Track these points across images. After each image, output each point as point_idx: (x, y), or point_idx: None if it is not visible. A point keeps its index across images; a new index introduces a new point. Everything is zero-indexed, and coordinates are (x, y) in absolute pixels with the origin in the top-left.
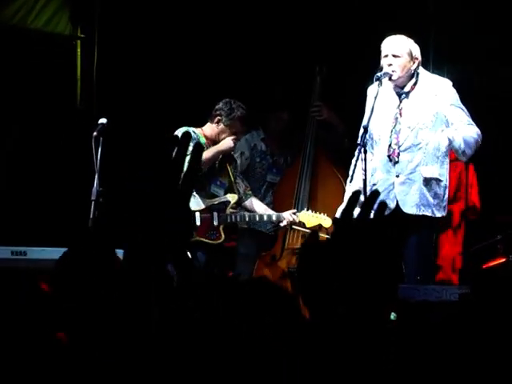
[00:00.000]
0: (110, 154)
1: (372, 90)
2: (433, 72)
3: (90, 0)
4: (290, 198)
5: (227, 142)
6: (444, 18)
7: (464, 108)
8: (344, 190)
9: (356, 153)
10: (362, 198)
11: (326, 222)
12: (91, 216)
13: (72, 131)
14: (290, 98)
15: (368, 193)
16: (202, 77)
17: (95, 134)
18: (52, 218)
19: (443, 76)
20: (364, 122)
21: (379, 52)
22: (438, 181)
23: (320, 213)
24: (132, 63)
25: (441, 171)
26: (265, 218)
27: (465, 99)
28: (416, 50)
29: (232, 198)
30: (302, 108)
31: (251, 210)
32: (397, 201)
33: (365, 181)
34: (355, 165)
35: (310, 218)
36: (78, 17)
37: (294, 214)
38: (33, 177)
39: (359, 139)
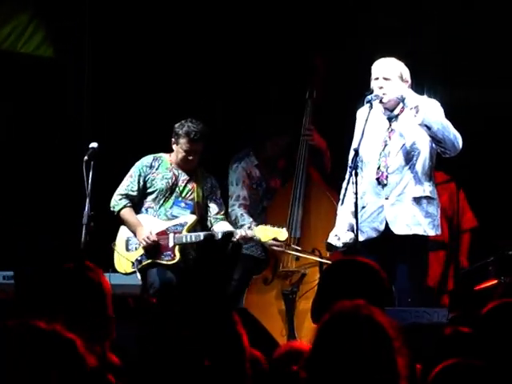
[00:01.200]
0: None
1: (362, 112)
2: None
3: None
4: (282, 221)
5: (139, 236)
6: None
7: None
8: (335, 214)
9: (347, 176)
10: (353, 221)
11: (282, 234)
12: (82, 240)
13: (62, 155)
14: (288, 125)
15: (359, 216)
16: (198, 90)
17: (86, 158)
18: (44, 241)
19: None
20: (354, 145)
21: (369, 74)
22: (429, 199)
23: (283, 227)
24: (124, 83)
25: (431, 189)
26: (219, 236)
27: (457, 121)
28: (406, 73)
29: (190, 219)
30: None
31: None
32: (386, 223)
33: (356, 204)
34: (346, 188)
35: (266, 232)
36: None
37: (249, 228)
38: (24, 198)
39: (350, 162)
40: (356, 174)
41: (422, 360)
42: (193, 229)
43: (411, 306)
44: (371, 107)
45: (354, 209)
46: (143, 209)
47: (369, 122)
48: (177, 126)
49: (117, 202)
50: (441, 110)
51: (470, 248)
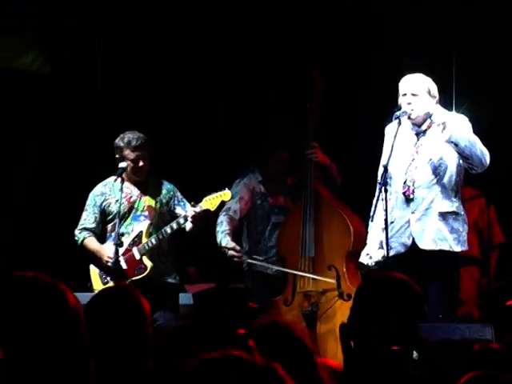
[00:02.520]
0: None
1: (391, 129)
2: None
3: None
4: (296, 240)
5: (103, 258)
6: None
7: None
8: (350, 230)
9: (376, 192)
10: (383, 238)
11: (226, 194)
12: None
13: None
14: (290, 140)
15: (389, 232)
16: (199, 90)
17: (115, 178)
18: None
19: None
20: (384, 162)
21: (397, 90)
22: (455, 214)
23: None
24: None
25: (457, 204)
26: (174, 226)
27: (485, 137)
28: (434, 88)
29: (143, 226)
30: (297, 148)
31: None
32: (413, 238)
33: (386, 220)
34: (376, 205)
35: (212, 201)
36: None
37: (193, 205)
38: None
39: (379, 178)
40: (386, 191)
41: (452, 374)
42: (153, 234)
43: (443, 321)
44: (400, 123)
45: (384, 225)
46: (108, 235)
47: (397, 138)
48: (116, 141)
49: (77, 236)
50: (469, 126)
51: (498, 264)
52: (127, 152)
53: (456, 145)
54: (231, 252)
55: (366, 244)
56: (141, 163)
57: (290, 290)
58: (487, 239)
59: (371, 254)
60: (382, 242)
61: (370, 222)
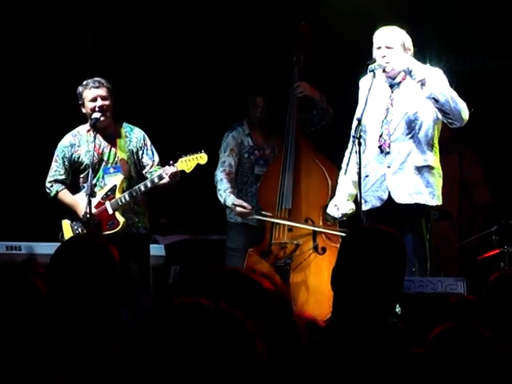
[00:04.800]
0: None
1: (365, 81)
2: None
3: None
4: (274, 192)
5: (80, 214)
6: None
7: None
8: (327, 183)
9: (349, 145)
10: (354, 191)
11: (202, 157)
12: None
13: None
14: (262, 84)
15: (362, 186)
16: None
17: (88, 128)
18: (45, 214)
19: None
20: (358, 115)
21: (371, 43)
22: (431, 168)
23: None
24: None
25: (433, 159)
26: (148, 184)
27: (460, 89)
28: (408, 41)
29: (117, 180)
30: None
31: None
32: (389, 192)
33: (359, 174)
34: (349, 157)
35: (188, 163)
36: None
37: (170, 165)
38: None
39: (353, 131)
40: (359, 144)
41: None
42: (126, 188)
43: (415, 275)
44: (374, 76)
45: (356, 179)
46: (81, 186)
47: (371, 91)
48: (77, 89)
49: (49, 189)
50: (445, 80)
51: (483, 224)
52: (86, 94)
53: (436, 101)
54: (239, 209)
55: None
56: (100, 102)
57: (267, 240)
58: (473, 197)
59: (339, 206)
60: (351, 195)
61: (341, 174)
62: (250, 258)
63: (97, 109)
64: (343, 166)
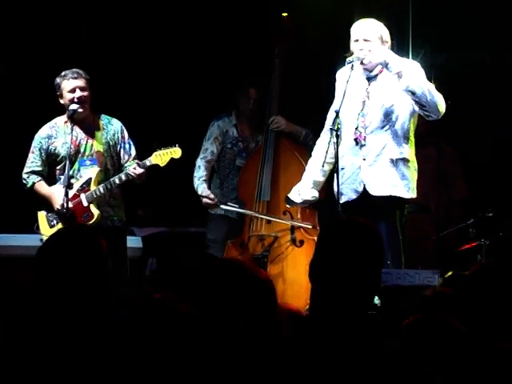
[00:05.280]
0: None
1: (343, 74)
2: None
3: None
4: (253, 184)
5: (55, 205)
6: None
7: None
8: None
9: (323, 135)
10: (319, 179)
11: (176, 152)
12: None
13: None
14: (255, 76)
15: (340, 178)
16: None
17: (65, 119)
18: (20, 206)
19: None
20: (336, 107)
21: (349, 36)
22: (406, 161)
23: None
24: None
25: (409, 151)
26: (123, 177)
27: (437, 82)
28: (386, 34)
29: (93, 173)
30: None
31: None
32: (364, 184)
33: (337, 165)
34: (327, 149)
35: (162, 157)
36: None
37: (138, 165)
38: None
39: (331, 123)
40: (337, 136)
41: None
42: (102, 181)
43: (390, 267)
44: (352, 69)
45: (326, 168)
46: (57, 177)
47: (349, 83)
48: (55, 80)
49: (26, 180)
50: (422, 73)
51: (460, 218)
52: (65, 84)
53: (413, 93)
54: (205, 200)
55: (322, 190)
56: (79, 93)
57: (246, 233)
58: (451, 191)
59: (301, 192)
60: (315, 182)
61: (309, 161)
62: (229, 249)
63: (75, 100)
64: (314, 154)
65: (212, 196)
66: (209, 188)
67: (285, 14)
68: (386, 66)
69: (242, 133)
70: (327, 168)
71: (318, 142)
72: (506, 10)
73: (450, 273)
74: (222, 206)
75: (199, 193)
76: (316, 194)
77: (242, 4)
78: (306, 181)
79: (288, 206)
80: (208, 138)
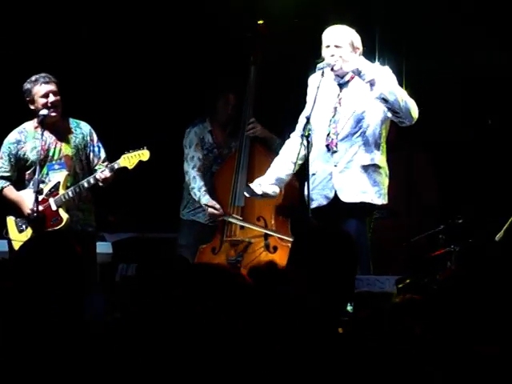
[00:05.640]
0: None
1: (314, 80)
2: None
3: None
4: (228, 189)
5: (25, 210)
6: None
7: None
8: None
9: (296, 139)
10: (284, 177)
11: (144, 154)
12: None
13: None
14: (233, 83)
15: (310, 184)
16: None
17: (35, 124)
18: None
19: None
20: (307, 113)
21: (320, 42)
22: (378, 167)
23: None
24: None
25: (380, 158)
26: (91, 181)
27: (408, 88)
28: (357, 40)
29: (61, 177)
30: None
31: None
32: (335, 190)
33: (307, 171)
34: (298, 153)
35: (130, 160)
36: None
37: (106, 168)
38: None
39: (302, 129)
40: (308, 142)
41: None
42: (71, 185)
43: (359, 273)
44: (323, 75)
45: (290, 167)
46: (26, 182)
47: (320, 90)
48: (24, 86)
49: None
50: (394, 78)
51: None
52: (36, 90)
53: (386, 101)
54: (211, 210)
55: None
56: (52, 97)
57: (218, 238)
58: (421, 197)
59: (262, 184)
60: (278, 179)
61: (276, 158)
62: (202, 254)
63: (49, 104)
64: (281, 153)
65: (218, 206)
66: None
67: (260, 22)
68: (358, 74)
69: (217, 139)
70: (293, 169)
71: (287, 142)
72: (473, 13)
73: (406, 280)
74: (226, 218)
75: (204, 203)
76: (277, 190)
77: (218, 12)
78: (269, 176)
79: (246, 195)
80: (189, 145)
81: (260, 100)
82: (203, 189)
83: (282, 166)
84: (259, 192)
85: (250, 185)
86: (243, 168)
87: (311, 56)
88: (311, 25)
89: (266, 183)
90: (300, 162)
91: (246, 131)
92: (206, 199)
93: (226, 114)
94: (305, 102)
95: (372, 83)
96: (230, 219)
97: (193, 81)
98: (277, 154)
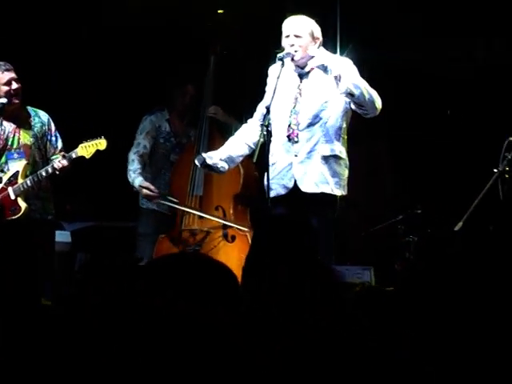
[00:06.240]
0: None
1: (274, 70)
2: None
3: None
4: (186, 179)
5: None
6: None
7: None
8: (240, 172)
9: (253, 124)
10: (236, 156)
11: (101, 143)
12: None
13: None
14: (193, 73)
15: (270, 174)
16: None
17: None
18: None
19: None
20: (267, 103)
21: (280, 32)
22: (338, 158)
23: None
24: None
25: (340, 149)
26: (49, 170)
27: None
28: (317, 31)
29: (20, 166)
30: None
31: None
32: (295, 180)
33: (267, 161)
34: (257, 143)
35: (88, 149)
36: None
37: (64, 157)
38: None
39: (262, 119)
40: (268, 132)
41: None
42: (30, 173)
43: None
44: (283, 65)
45: (244, 148)
46: None
47: (280, 80)
48: None
49: None
50: (356, 70)
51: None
52: (0, 76)
53: (352, 95)
54: (145, 191)
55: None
56: (15, 85)
57: (177, 227)
58: (381, 187)
59: (213, 158)
60: (229, 157)
61: (231, 138)
62: (161, 243)
63: (12, 92)
64: (237, 134)
65: (153, 187)
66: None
67: (220, 11)
68: (325, 69)
69: (175, 128)
70: (245, 151)
71: (243, 125)
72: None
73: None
74: (161, 201)
75: (137, 184)
76: (226, 167)
77: (178, 2)
78: (221, 151)
79: (197, 163)
80: (140, 132)
81: (220, 90)
82: (138, 171)
83: (236, 146)
84: (210, 163)
85: (203, 154)
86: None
87: (271, 46)
88: (270, 14)
89: (217, 158)
90: (254, 147)
91: (207, 113)
92: (139, 180)
93: (184, 104)
94: (264, 92)
95: (338, 78)
96: (165, 202)
97: (153, 70)
98: None
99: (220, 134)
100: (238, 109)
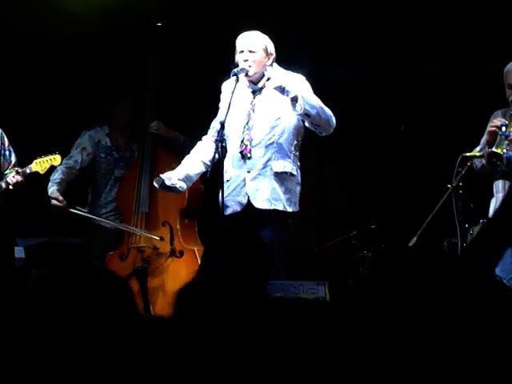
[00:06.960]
0: None
1: (228, 85)
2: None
3: None
4: (132, 195)
5: None
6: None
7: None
8: None
9: (208, 141)
10: (192, 175)
11: (56, 159)
12: None
13: None
14: (133, 87)
15: (225, 190)
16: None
17: None
18: None
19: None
20: (221, 118)
21: (234, 47)
22: (290, 175)
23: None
24: None
25: (293, 166)
26: (3, 185)
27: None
28: (271, 46)
29: None
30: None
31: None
32: (248, 197)
33: (222, 177)
34: (213, 159)
35: (42, 164)
36: None
37: (18, 173)
38: None
39: (217, 135)
40: (222, 147)
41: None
42: None
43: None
44: (237, 80)
45: (198, 171)
46: None
47: (234, 95)
48: None
49: None
50: (309, 88)
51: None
52: None
53: (308, 116)
54: (53, 202)
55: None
56: None
57: (125, 244)
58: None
59: (172, 178)
60: (187, 176)
61: (187, 156)
62: (110, 261)
63: None
64: (193, 152)
65: (61, 198)
66: (61, 193)
67: (159, 24)
68: (282, 90)
69: (116, 142)
70: (202, 169)
71: (198, 143)
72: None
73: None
74: (71, 210)
75: (49, 193)
76: (184, 186)
77: (115, 13)
78: (178, 171)
79: (156, 185)
80: (76, 146)
81: (161, 102)
82: (56, 181)
83: (192, 164)
84: (168, 183)
85: (161, 175)
86: (146, 173)
87: (208, 59)
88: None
89: (175, 178)
90: (210, 164)
91: (150, 129)
92: (51, 190)
93: (125, 118)
94: (213, 106)
95: (295, 99)
96: (74, 210)
97: (91, 83)
98: (183, 151)
99: (164, 149)
100: (182, 122)
